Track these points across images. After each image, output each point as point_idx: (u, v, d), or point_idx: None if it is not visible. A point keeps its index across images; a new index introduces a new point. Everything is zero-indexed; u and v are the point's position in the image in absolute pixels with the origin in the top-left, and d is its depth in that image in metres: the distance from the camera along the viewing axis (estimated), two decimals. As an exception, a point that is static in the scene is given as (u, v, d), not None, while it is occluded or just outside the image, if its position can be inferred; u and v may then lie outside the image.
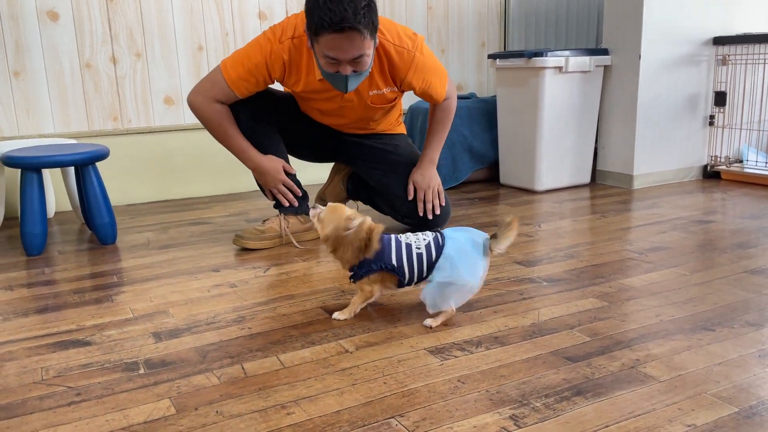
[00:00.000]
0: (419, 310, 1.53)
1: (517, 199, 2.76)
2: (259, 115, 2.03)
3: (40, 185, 2.05)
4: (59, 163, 2.06)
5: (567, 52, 2.77)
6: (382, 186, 2.18)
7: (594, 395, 1.12)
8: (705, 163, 3.08)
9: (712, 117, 3.01)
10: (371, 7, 1.66)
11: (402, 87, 1.98)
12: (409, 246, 1.43)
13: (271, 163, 2.05)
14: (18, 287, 1.77)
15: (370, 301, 1.50)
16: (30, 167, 2.03)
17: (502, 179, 3.08)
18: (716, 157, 3.05)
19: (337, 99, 1.97)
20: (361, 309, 1.51)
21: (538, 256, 1.94)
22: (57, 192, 2.71)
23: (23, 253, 2.09)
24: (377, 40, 1.78)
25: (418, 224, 2.13)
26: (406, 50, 1.88)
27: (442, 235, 1.44)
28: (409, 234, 1.48)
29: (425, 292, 1.43)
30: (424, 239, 1.44)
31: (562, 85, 2.81)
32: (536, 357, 1.27)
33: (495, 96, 3.18)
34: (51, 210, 2.62)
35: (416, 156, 2.20)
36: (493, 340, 1.36)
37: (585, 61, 2.81)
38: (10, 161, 2.04)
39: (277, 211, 2.16)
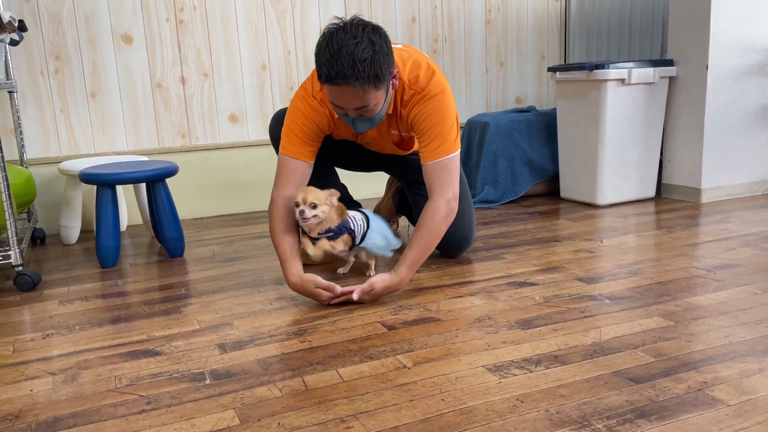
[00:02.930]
0: (478, 327, 1.53)
1: (578, 213, 2.71)
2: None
3: (114, 201, 2.16)
4: (132, 180, 2.16)
5: (630, 64, 2.72)
6: (414, 205, 2.17)
7: (658, 418, 1.09)
8: (779, 175, 2.95)
9: (786, 128, 2.88)
10: (376, 59, 1.57)
11: (408, 126, 1.87)
12: (354, 219, 1.85)
13: (302, 285, 1.73)
14: (93, 298, 1.87)
15: (333, 255, 1.89)
16: (105, 184, 2.14)
17: (563, 193, 3.03)
18: (791, 169, 2.91)
19: (363, 137, 1.97)
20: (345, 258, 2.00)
21: (600, 272, 1.90)
22: (129, 206, 2.84)
23: (98, 266, 2.20)
24: (391, 84, 1.70)
25: (437, 248, 2.08)
26: (417, 90, 1.78)
27: (366, 214, 1.91)
28: (351, 212, 1.86)
29: (368, 249, 1.90)
30: (361, 216, 1.88)
31: (625, 98, 2.75)
32: (598, 377, 1.25)
33: (555, 109, 3.15)
34: (123, 224, 2.74)
35: None
36: (552, 359, 1.34)
37: (649, 72, 2.74)
38: (87, 178, 2.16)
39: None
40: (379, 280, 1.73)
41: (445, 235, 2.00)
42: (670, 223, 2.48)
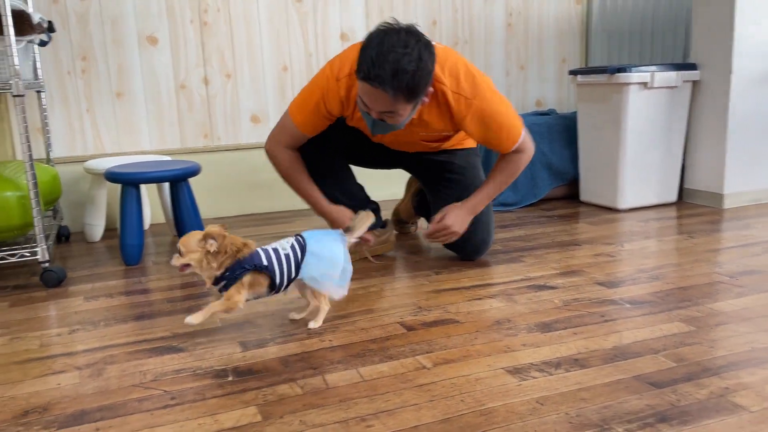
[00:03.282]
0: (497, 329, 1.54)
1: (599, 218, 2.70)
2: (326, 147, 2.05)
3: (138, 199, 2.19)
4: (156, 179, 2.20)
5: (653, 67, 2.70)
6: (431, 203, 2.17)
7: (680, 423, 1.09)
8: (804, 181, 2.91)
9: (811, 133, 2.85)
10: (417, 75, 1.59)
11: (462, 131, 1.92)
12: (276, 249, 1.53)
13: (336, 217, 2.00)
14: (117, 295, 1.90)
15: (233, 311, 1.50)
16: (130, 182, 2.18)
17: (583, 197, 3.02)
18: (816, 175, 2.87)
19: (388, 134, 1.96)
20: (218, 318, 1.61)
21: (621, 277, 1.90)
22: (152, 205, 2.88)
23: (122, 263, 2.23)
24: (420, 102, 1.72)
25: (454, 250, 2.12)
26: (462, 96, 1.80)
27: (302, 237, 1.57)
28: (272, 243, 1.56)
29: (306, 281, 1.55)
30: (288, 243, 1.55)
31: (647, 101, 2.74)
32: (618, 381, 1.25)
33: (575, 112, 3.14)
34: (146, 222, 2.78)
35: (469, 178, 2.10)
36: (573, 362, 1.34)
37: (671, 76, 2.73)
38: (112, 177, 2.19)
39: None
40: (449, 208, 1.95)
41: (463, 237, 2.02)
42: (692, 228, 2.46)
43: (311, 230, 1.61)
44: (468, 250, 2.08)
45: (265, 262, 1.50)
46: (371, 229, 2.16)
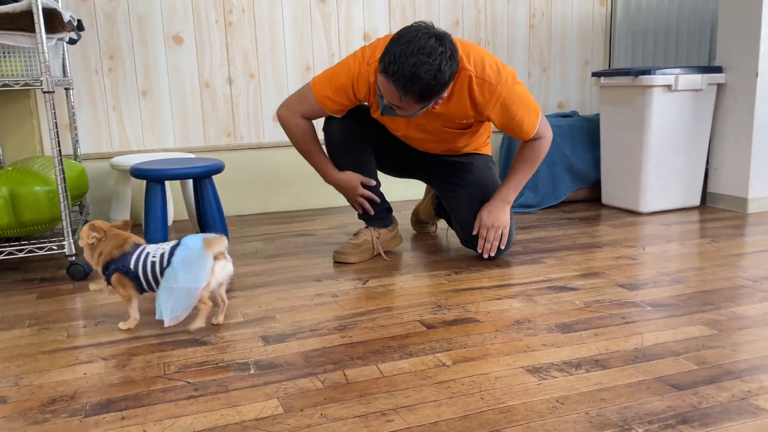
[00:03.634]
0: (517, 329, 1.54)
1: (620, 220, 2.68)
2: (353, 131, 2.09)
3: (163, 195, 2.22)
4: (181, 176, 2.23)
5: (677, 70, 2.68)
6: (449, 205, 2.18)
7: (701, 425, 1.08)
8: (831, 187, 2.87)
9: (839, 138, 2.80)
10: (431, 84, 1.67)
11: (483, 118, 1.95)
12: (147, 254, 1.53)
13: (348, 178, 2.12)
14: (142, 289, 1.93)
15: (132, 304, 1.57)
16: (155, 179, 2.21)
17: (605, 199, 3.01)
18: (844, 181, 2.83)
19: (406, 123, 2.01)
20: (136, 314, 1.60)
21: (642, 279, 1.89)
22: (175, 202, 2.92)
23: (146, 258, 2.27)
24: (431, 105, 1.80)
25: (474, 249, 2.13)
26: (487, 82, 1.84)
27: (178, 243, 1.53)
28: (153, 245, 1.57)
29: (157, 299, 1.50)
30: (161, 249, 1.53)
31: (671, 104, 2.72)
32: (639, 382, 1.24)
33: (598, 114, 3.12)
34: (170, 219, 2.82)
35: (488, 179, 2.13)
36: (593, 363, 1.34)
37: (696, 79, 2.70)
38: (138, 173, 2.23)
39: (364, 223, 2.25)
40: (481, 210, 2.04)
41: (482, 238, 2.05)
42: (715, 232, 2.44)
43: (194, 235, 1.54)
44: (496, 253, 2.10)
45: (132, 266, 1.53)
46: (381, 226, 2.19)
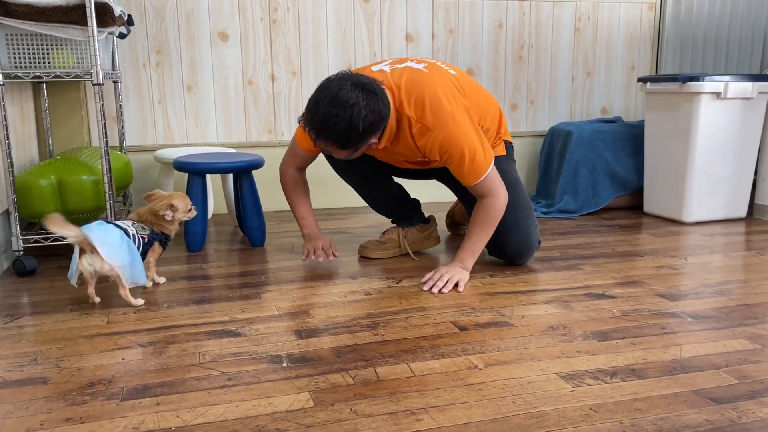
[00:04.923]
0: (552, 335, 1.52)
1: (662, 229, 2.62)
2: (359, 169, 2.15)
3: (204, 189, 2.26)
4: (222, 170, 2.27)
5: (727, 77, 2.61)
6: (467, 210, 2.14)
7: (740, 441, 1.05)
8: None
9: None
10: (344, 134, 1.68)
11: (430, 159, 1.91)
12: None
13: (314, 239, 2.11)
14: (180, 279, 1.97)
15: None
16: (197, 172, 2.26)
17: (647, 207, 2.94)
18: None
19: (381, 153, 2.01)
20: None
21: (683, 290, 1.84)
22: (215, 196, 2.97)
23: (185, 249, 2.31)
24: (364, 146, 1.78)
25: (497, 255, 2.11)
26: (425, 126, 1.80)
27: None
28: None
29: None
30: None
31: (719, 112, 2.64)
32: (676, 394, 1.21)
33: (642, 121, 3.06)
34: (209, 212, 2.87)
35: (506, 180, 2.01)
36: (629, 372, 1.31)
37: (747, 87, 2.62)
38: (180, 166, 2.28)
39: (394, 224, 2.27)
40: (444, 268, 1.91)
41: (502, 243, 2.00)
42: (762, 244, 2.36)
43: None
44: (508, 253, 2.06)
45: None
46: (407, 225, 2.19)
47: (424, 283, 1.88)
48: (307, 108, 1.74)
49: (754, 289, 1.84)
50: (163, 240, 1.87)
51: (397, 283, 1.92)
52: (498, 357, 1.39)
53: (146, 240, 1.79)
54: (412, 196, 2.31)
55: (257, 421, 1.12)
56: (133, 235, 1.74)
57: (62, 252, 2.29)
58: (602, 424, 1.11)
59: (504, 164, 2.10)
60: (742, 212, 2.81)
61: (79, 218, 2.13)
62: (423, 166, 2.06)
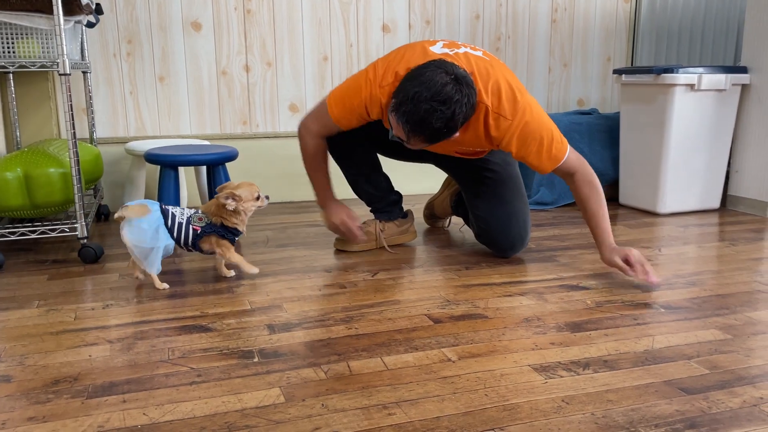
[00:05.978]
0: (526, 326, 1.52)
1: (637, 221, 2.64)
2: (355, 132, 2.05)
3: (176, 181, 2.23)
4: (195, 162, 2.23)
5: (701, 69, 2.63)
6: (468, 199, 2.15)
7: (710, 430, 1.06)
8: None
9: None
10: (441, 130, 1.64)
11: (499, 149, 1.89)
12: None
13: (335, 211, 2.10)
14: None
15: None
16: (169, 164, 2.22)
17: (622, 199, 2.96)
18: None
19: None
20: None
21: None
22: (188, 189, 2.92)
23: (157, 243, 2.27)
24: (451, 136, 1.73)
25: (489, 245, 2.11)
26: (502, 117, 1.76)
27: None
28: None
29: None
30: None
31: (693, 104, 2.66)
32: (648, 385, 1.22)
33: (618, 112, 3.07)
34: (183, 205, 2.83)
35: (509, 176, 2.07)
36: (602, 364, 1.31)
37: (720, 79, 2.64)
38: (152, 158, 2.23)
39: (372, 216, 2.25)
40: (623, 251, 1.83)
41: (497, 234, 2.01)
42: (734, 235, 2.39)
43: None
44: (503, 246, 2.06)
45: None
46: (385, 219, 2.18)
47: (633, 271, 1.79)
48: (402, 100, 1.63)
49: (726, 280, 1.86)
50: (226, 234, 1.80)
51: (373, 276, 1.91)
52: (472, 349, 1.38)
53: (198, 231, 1.76)
54: (395, 189, 2.29)
55: (226, 418, 1.10)
56: (180, 223, 1.75)
57: (30, 247, 2.24)
58: (574, 416, 1.10)
59: (509, 157, 2.10)
60: (716, 203, 2.84)
61: (47, 212, 2.09)
62: (474, 155, 2.02)
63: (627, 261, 1.81)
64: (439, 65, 1.64)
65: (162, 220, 1.74)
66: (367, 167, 2.18)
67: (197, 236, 1.78)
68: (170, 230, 1.75)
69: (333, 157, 2.17)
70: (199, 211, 1.81)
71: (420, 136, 1.67)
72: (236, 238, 1.84)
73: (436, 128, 1.64)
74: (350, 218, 2.10)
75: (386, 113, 1.83)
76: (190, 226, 1.77)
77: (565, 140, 1.84)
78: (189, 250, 1.83)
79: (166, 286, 1.78)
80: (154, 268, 1.76)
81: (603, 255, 1.87)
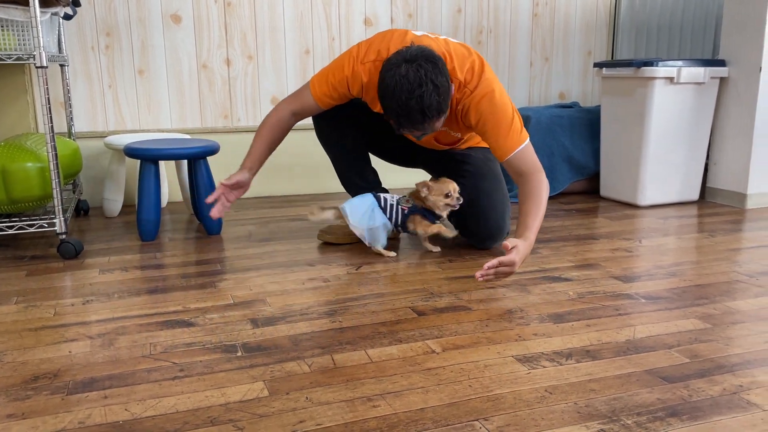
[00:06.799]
0: (509, 318, 1.52)
1: (618, 213, 2.66)
2: (352, 126, 2.12)
3: (156, 176, 2.20)
4: (175, 156, 2.21)
5: (680, 63, 2.65)
6: None
7: (690, 418, 1.07)
8: (831, 185, 2.84)
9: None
10: (441, 102, 1.68)
11: (464, 123, 1.90)
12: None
13: (237, 174, 1.96)
14: (132, 269, 1.91)
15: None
16: (148, 159, 2.19)
17: (603, 192, 2.99)
18: None
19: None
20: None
21: (637, 272, 1.87)
22: (170, 183, 2.89)
23: (138, 238, 2.25)
24: (445, 113, 1.75)
25: (468, 237, 2.13)
26: (467, 87, 1.81)
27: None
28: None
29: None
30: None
31: (672, 97, 2.69)
32: (629, 374, 1.23)
33: (599, 106, 3.10)
34: (164, 200, 2.80)
35: (488, 171, 2.08)
36: (584, 354, 1.32)
37: (699, 72, 2.67)
38: (131, 152, 2.21)
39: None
40: (518, 243, 1.68)
41: (476, 224, 2.03)
42: (713, 227, 2.42)
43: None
44: (482, 236, 2.07)
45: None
46: None
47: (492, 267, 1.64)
48: (395, 116, 1.70)
49: (705, 270, 1.88)
50: (426, 214, 2.02)
51: (357, 269, 1.90)
52: (455, 341, 1.39)
53: (406, 211, 2.03)
54: (382, 186, 2.29)
55: (210, 412, 1.09)
56: (391, 205, 2.03)
57: (8, 243, 2.20)
58: (557, 406, 1.11)
59: (489, 154, 2.13)
60: (695, 195, 2.87)
61: (24, 208, 2.05)
62: (451, 144, 2.07)
63: (504, 261, 1.65)
64: (391, 61, 1.69)
65: (376, 203, 2.03)
66: (357, 158, 2.19)
67: (405, 216, 2.03)
68: (384, 210, 2.03)
69: (323, 144, 2.19)
70: (407, 195, 2.07)
71: (432, 118, 1.70)
72: (436, 220, 2.05)
73: (435, 103, 1.67)
74: (227, 180, 1.93)
75: (368, 91, 1.88)
76: (400, 207, 2.03)
77: (525, 133, 1.84)
78: (397, 231, 2.08)
79: (393, 254, 2.04)
80: (380, 244, 2.03)
81: (521, 242, 1.71)
